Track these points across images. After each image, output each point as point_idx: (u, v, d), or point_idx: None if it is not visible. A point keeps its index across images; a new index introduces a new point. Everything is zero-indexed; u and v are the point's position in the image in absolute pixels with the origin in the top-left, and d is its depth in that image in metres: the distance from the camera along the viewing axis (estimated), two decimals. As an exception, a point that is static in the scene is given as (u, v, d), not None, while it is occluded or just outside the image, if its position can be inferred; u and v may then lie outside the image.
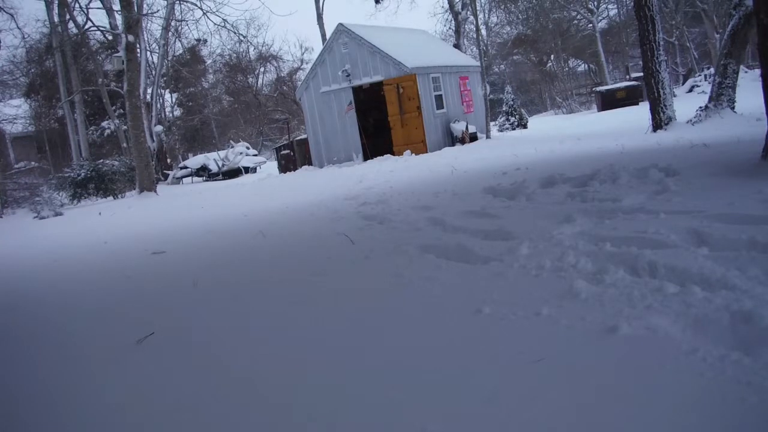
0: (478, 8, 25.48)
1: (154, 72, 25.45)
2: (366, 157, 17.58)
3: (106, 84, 25.33)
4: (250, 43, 31.88)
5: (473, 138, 17.88)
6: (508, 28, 41.07)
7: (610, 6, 36.59)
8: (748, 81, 17.07)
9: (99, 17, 38.87)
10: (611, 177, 5.99)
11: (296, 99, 23.11)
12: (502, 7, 38.82)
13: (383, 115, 17.77)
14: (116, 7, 21.33)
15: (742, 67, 14.39)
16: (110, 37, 24.84)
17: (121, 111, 23.24)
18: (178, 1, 22.24)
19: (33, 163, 28.52)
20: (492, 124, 21.76)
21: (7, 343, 3.88)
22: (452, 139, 17.78)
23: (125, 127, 21.06)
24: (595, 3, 34.40)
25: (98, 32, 24.89)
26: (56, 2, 23.44)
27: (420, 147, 16.86)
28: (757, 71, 10.44)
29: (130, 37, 16.25)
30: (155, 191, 16.46)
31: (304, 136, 20.43)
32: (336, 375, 2.52)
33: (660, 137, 10.36)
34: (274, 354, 2.86)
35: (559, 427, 1.90)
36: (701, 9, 28.54)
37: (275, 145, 26.04)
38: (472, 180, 8.32)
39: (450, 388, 2.24)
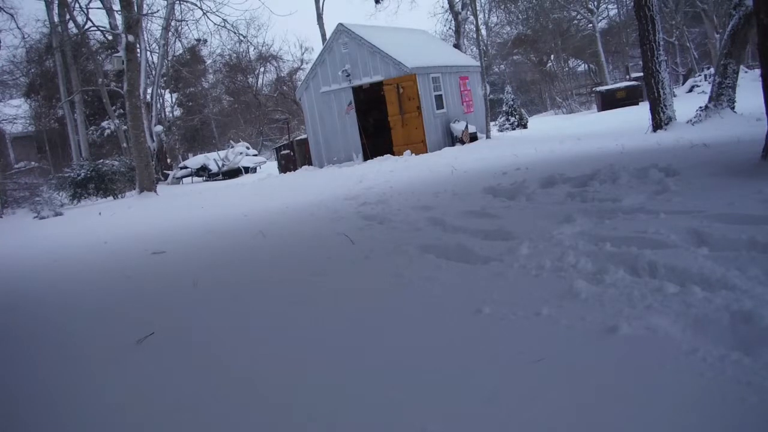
0: (478, 8, 25.49)
1: (154, 72, 25.45)
2: (366, 157, 17.58)
3: (106, 84, 25.33)
4: (250, 43, 31.92)
5: (473, 138, 17.88)
6: (508, 28, 41.09)
7: (610, 6, 36.62)
8: (748, 81, 17.07)
9: (99, 17, 38.93)
10: (611, 177, 5.99)
11: (296, 99, 23.11)
12: (502, 7, 38.82)
13: (383, 115, 17.77)
14: (116, 7, 21.36)
15: (742, 67, 14.39)
16: (110, 37, 24.85)
17: (121, 111, 23.24)
18: (178, 1, 22.25)
19: (33, 163, 28.53)
20: (492, 124, 21.76)
21: (7, 343, 3.88)
22: (452, 139, 17.78)
23: (125, 127, 21.06)
24: (595, 3, 34.41)
25: (98, 32, 24.92)
26: (56, 2, 23.44)
27: (420, 147, 16.86)
28: (757, 71, 10.44)
29: (130, 37, 16.25)
30: (155, 191, 16.46)
31: (304, 136, 20.43)
32: (336, 375, 2.52)
33: (660, 137, 10.36)
34: (274, 354, 2.86)
35: (559, 427, 1.90)
36: (701, 9, 28.54)
37: (275, 145, 26.04)
38: (472, 180, 8.32)
39: (450, 388, 2.24)
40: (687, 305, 2.59)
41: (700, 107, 12.37)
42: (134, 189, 17.16)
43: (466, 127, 17.72)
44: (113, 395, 2.67)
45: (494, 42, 41.39)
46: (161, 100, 29.90)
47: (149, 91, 24.05)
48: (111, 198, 17.98)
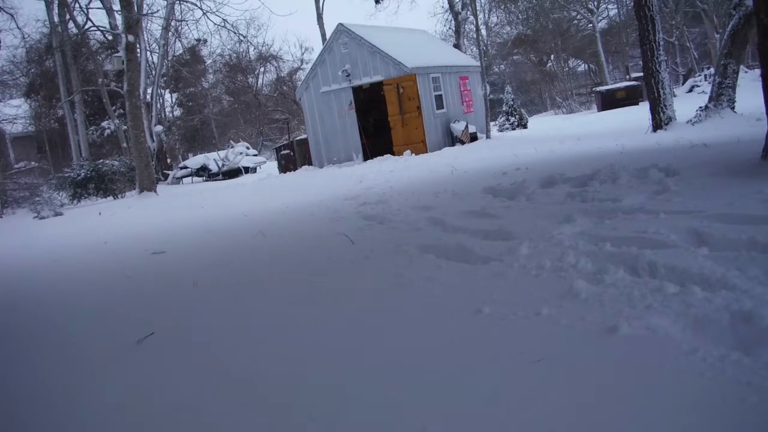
0: (478, 8, 25.49)
1: (154, 72, 25.45)
2: (366, 157, 17.58)
3: (106, 84, 25.33)
4: (250, 43, 31.92)
5: (473, 138, 17.88)
6: (508, 28, 41.09)
7: (610, 6, 36.62)
8: (748, 81, 17.07)
9: (99, 17, 38.91)
10: (611, 177, 5.99)
11: (296, 99, 23.11)
12: (502, 7, 38.83)
13: (383, 115, 17.77)
14: (116, 7, 21.36)
15: (742, 67, 14.39)
16: (110, 37, 24.85)
17: (121, 111, 23.24)
18: (178, 1, 22.24)
19: (33, 163, 28.52)
20: (492, 124, 21.76)
21: (7, 343, 3.88)
22: (452, 139, 17.78)
23: (125, 127, 21.06)
24: (595, 3, 34.41)
25: (98, 32, 24.92)
26: (56, 2, 23.45)
27: (420, 147, 16.86)
28: (757, 71, 10.44)
29: (130, 37, 16.25)
30: (155, 191, 16.46)
31: (304, 136, 20.43)
32: (336, 375, 2.52)
33: (660, 137, 10.36)
34: (274, 354, 2.86)
35: (559, 427, 1.90)
36: (701, 9, 28.55)
37: (275, 145, 26.04)
38: (472, 180, 8.32)
39: (450, 388, 2.24)
40: (687, 305, 2.59)
41: (700, 107, 12.37)
42: (134, 189, 17.17)
43: (466, 127, 17.72)
44: (113, 395, 2.67)
45: (494, 42, 41.40)
46: (161, 100, 29.90)
47: (149, 91, 24.05)
48: (111, 198, 17.98)
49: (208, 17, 27.32)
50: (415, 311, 3.16)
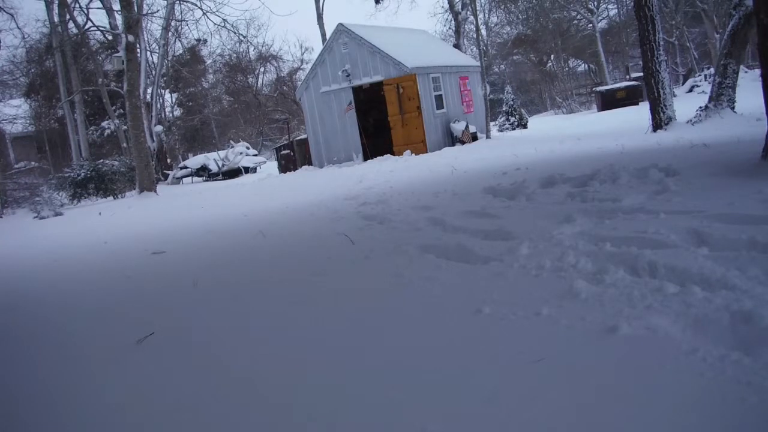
0: (478, 8, 25.49)
1: (154, 72, 25.45)
2: (366, 157, 17.58)
3: (106, 84, 25.33)
4: (250, 43, 31.92)
5: (473, 138, 17.88)
6: (508, 28, 41.09)
7: (610, 6, 36.62)
8: (748, 81, 17.07)
9: (99, 17, 38.93)
10: (611, 177, 5.99)
11: (296, 99, 23.11)
12: (502, 7, 38.83)
13: (383, 115, 17.77)
14: (116, 7, 21.37)
15: (742, 67, 14.39)
16: (110, 37, 24.85)
17: (121, 111, 23.25)
18: (178, 1, 22.24)
19: (33, 163, 28.52)
20: (492, 124, 21.76)
21: (7, 343, 3.88)
22: (452, 139, 17.78)
23: (125, 127, 21.06)
24: (595, 3, 34.41)
25: (98, 32, 24.93)
26: (56, 2, 23.45)
27: (420, 147, 16.86)
28: (757, 71, 10.44)
29: (130, 37, 16.25)
30: (155, 191, 16.46)
31: (304, 136, 20.43)
32: (336, 375, 2.52)
33: (660, 137, 10.36)
34: (274, 354, 2.86)
35: (559, 427, 1.90)
36: (701, 9, 28.54)
37: (275, 145, 26.04)
38: (472, 180, 8.32)
39: (450, 388, 2.24)
40: (687, 305, 2.59)
41: (700, 107, 12.37)
42: (134, 189, 17.17)
43: (467, 127, 17.72)
44: (113, 395, 2.67)
45: (494, 42, 41.39)
46: (161, 100, 29.90)
47: (149, 91, 24.05)
48: (111, 198, 17.98)
49: (208, 17, 27.35)
50: (415, 311, 3.16)
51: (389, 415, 2.12)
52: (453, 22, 27.90)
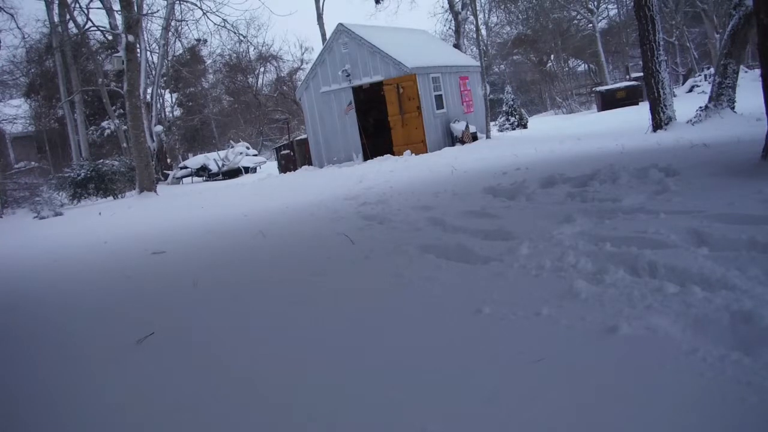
0: (478, 8, 25.49)
1: (154, 72, 25.45)
2: (366, 157, 17.58)
3: (106, 84, 25.33)
4: (250, 43, 31.92)
5: (473, 138, 17.88)
6: (508, 28, 41.09)
7: (610, 6, 36.62)
8: (748, 81, 17.07)
9: (99, 17, 38.92)
10: (611, 177, 5.99)
11: (296, 99, 23.11)
12: (502, 7, 38.83)
13: (383, 115, 17.77)
14: (116, 7, 21.36)
15: (742, 67, 14.39)
16: (110, 37, 24.85)
17: (121, 111, 23.24)
18: (178, 1, 22.25)
19: (33, 163, 28.52)
20: (492, 124, 21.76)
21: (7, 343, 3.88)
22: (452, 139, 17.78)
23: (125, 127, 21.06)
24: (595, 3, 34.41)
25: (98, 32, 24.92)
26: (56, 2, 23.45)
27: (420, 147, 16.86)
28: (757, 71, 10.44)
29: (130, 37, 16.25)
30: (155, 191, 16.46)
31: (304, 136, 20.43)
32: (336, 375, 2.52)
33: (660, 137, 10.36)
34: (274, 354, 2.86)
35: (559, 427, 1.90)
36: (701, 9, 28.54)
37: (275, 145, 26.04)
38: (472, 180, 8.32)
39: (450, 388, 2.24)
40: (687, 305, 2.59)
41: (700, 107, 12.37)
42: (134, 189, 17.17)
43: (467, 127, 17.72)
44: (113, 395, 2.67)
45: (494, 42, 41.39)
46: (161, 100, 29.90)
47: (149, 91, 24.05)
48: (111, 198, 17.98)
49: (208, 17, 27.34)
50: (415, 311, 3.16)
51: (389, 415, 2.12)
52: (453, 22, 27.91)
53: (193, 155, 27.25)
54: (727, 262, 2.99)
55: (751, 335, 2.25)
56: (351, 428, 2.09)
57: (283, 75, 37.07)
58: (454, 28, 28.12)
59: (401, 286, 3.62)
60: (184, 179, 23.99)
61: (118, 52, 19.85)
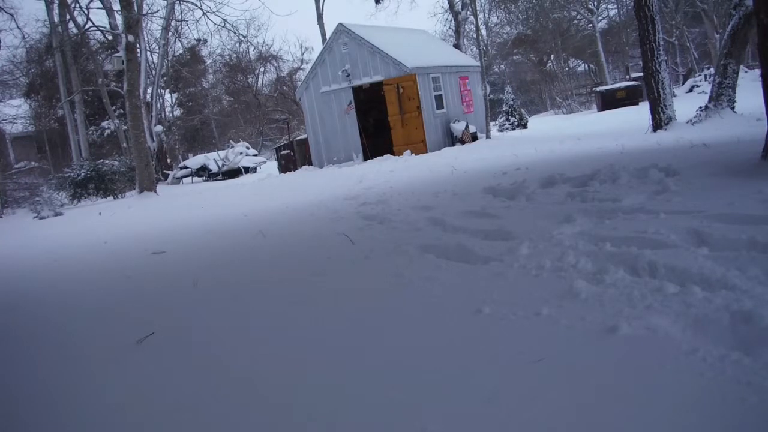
0: (478, 8, 25.49)
1: (154, 72, 25.45)
2: (366, 157, 17.58)
3: (106, 84, 25.33)
4: (250, 43, 31.92)
5: (473, 138, 17.88)
6: (508, 28, 41.09)
7: (610, 6, 36.62)
8: (748, 81, 17.07)
9: (99, 17, 38.94)
10: (611, 177, 5.99)
11: (296, 99, 23.11)
12: (502, 7, 38.83)
13: (383, 115, 17.77)
14: (116, 7, 21.36)
15: (742, 67, 14.39)
16: (110, 37, 24.85)
17: (121, 111, 23.24)
18: (178, 1, 22.24)
19: (33, 163, 28.52)
20: (492, 124, 21.76)
21: (7, 343, 3.88)
22: (452, 139, 17.78)
23: (125, 127, 21.06)
24: (595, 3, 34.41)
25: (98, 32, 24.92)
26: (56, 2, 23.45)
27: (420, 147, 16.86)
28: (757, 71, 10.43)
29: (130, 37, 16.25)
30: (155, 191, 16.46)
31: (304, 136, 20.43)
32: (336, 375, 2.52)
33: (660, 137, 10.36)
34: (274, 354, 2.86)
35: (559, 427, 1.90)
36: (701, 9, 28.54)
37: (275, 145, 26.04)
38: (472, 180, 8.32)
39: (450, 388, 2.24)
40: (687, 305, 2.59)
41: (700, 107, 12.37)
42: (134, 189, 17.16)
43: (467, 127, 17.72)
44: (113, 395, 2.67)
45: (494, 42, 41.39)
46: (161, 100, 29.90)
47: (149, 91, 24.05)
48: (111, 198, 17.98)
49: (208, 17, 27.33)
50: (415, 311, 3.16)
51: (389, 415, 2.12)
52: (453, 22, 27.91)
53: (193, 155, 27.25)
54: (727, 262, 2.99)
55: (751, 335, 2.25)
56: (351, 428, 2.09)
57: (283, 75, 37.08)
58: (454, 28, 28.13)
59: (401, 286, 3.62)
60: (184, 179, 23.99)
61: (118, 52, 19.85)
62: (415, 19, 68.45)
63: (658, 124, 11.95)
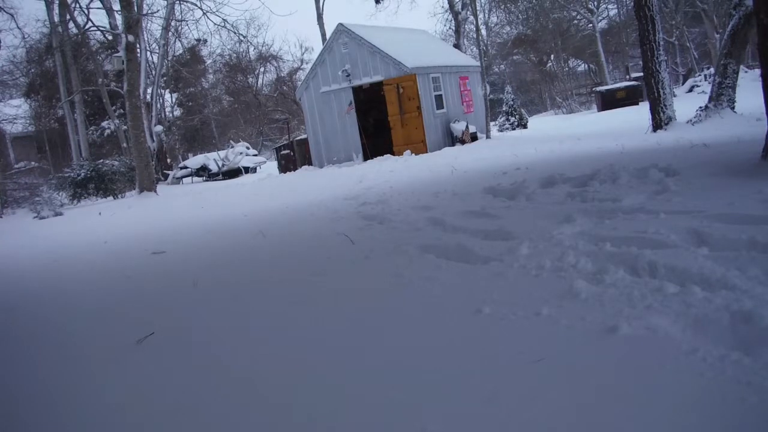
0: (478, 8, 25.49)
1: (154, 72, 25.45)
2: (366, 157, 17.58)
3: (106, 84, 25.32)
4: (250, 43, 31.90)
5: (473, 138, 17.88)
6: (508, 28, 41.09)
7: (610, 6, 36.61)
8: (748, 81, 17.06)
9: (99, 17, 38.89)
10: (611, 177, 5.99)
11: (296, 99, 23.12)
12: (502, 7, 38.82)
13: (383, 115, 17.77)
14: (116, 7, 21.36)
15: (742, 67, 14.39)
16: (110, 37, 24.84)
17: (121, 111, 23.24)
18: (178, 1, 22.24)
19: (33, 163, 28.51)
20: (492, 124, 21.75)
21: (7, 343, 3.88)
22: (452, 139, 17.78)
23: (125, 127, 21.06)
24: (595, 3, 34.40)
25: (98, 32, 24.91)
26: (56, 2, 23.44)
27: (420, 147, 16.86)
28: (757, 71, 10.43)
29: (130, 37, 16.25)
30: (155, 191, 16.46)
31: (304, 136, 20.43)
32: (336, 375, 2.52)
33: (660, 137, 10.36)
34: (274, 354, 2.86)
35: (559, 427, 1.90)
36: (701, 9, 28.54)
37: (275, 145, 26.04)
38: (472, 180, 8.32)
39: (450, 388, 2.24)
40: (687, 305, 2.59)
41: (700, 107, 12.37)
42: (134, 189, 17.16)
43: (467, 127, 17.72)
44: (113, 395, 2.67)
45: (494, 42, 41.39)
46: (161, 100, 29.90)
47: (149, 91, 24.05)
48: (111, 198, 17.97)
49: (208, 17, 27.30)
50: (415, 311, 3.16)
51: (389, 415, 2.12)
52: (453, 22, 27.91)
53: (193, 155, 27.25)
54: (727, 262, 2.99)
55: (751, 335, 2.25)
56: (351, 428, 2.09)
57: (283, 75, 37.08)
58: (454, 28, 28.13)
59: (401, 286, 3.62)
60: (184, 179, 23.99)
61: (118, 52, 19.84)
62: (415, 19, 68.52)
63: (658, 124, 11.95)
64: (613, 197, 5.08)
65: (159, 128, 24.32)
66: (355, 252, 4.70)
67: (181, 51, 30.98)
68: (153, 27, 29.86)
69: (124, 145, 23.54)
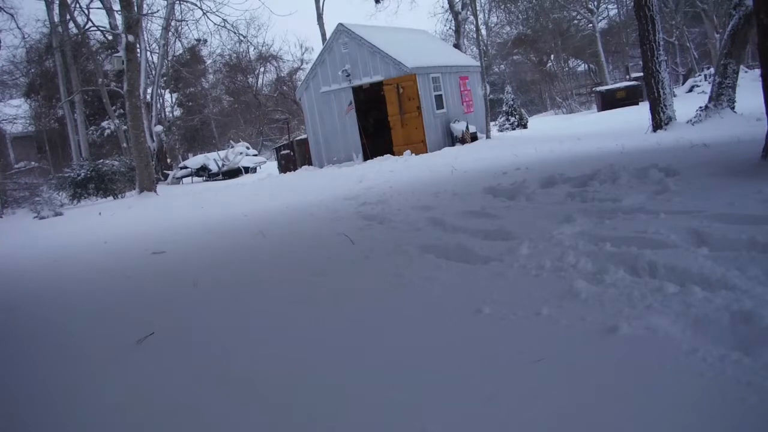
0: (478, 8, 25.49)
1: (154, 72, 25.45)
2: (366, 157, 17.58)
3: (106, 84, 25.32)
4: (250, 43, 31.90)
5: (473, 138, 17.88)
6: (508, 28, 41.08)
7: (610, 6, 36.61)
8: (748, 81, 17.06)
9: (99, 17, 38.93)
10: (611, 177, 5.99)
11: (296, 99, 23.12)
12: (502, 7, 38.83)
13: (383, 115, 17.77)
14: (116, 7, 21.37)
15: (742, 67, 14.39)
16: (110, 37, 24.85)
17: (121, 111, 23.24)
18: (178, 1, 22.25)
19: (33, 163, 28.51)
20: (492, 124, 21.75)
21: (7, 343, 3.88)
22: (452, 139, 17.78)
23: (125, 127, 21.06)
24: (595, 3, 34.40)
25: (98, 32, 24.92)
26: (56, 2, 23.44)
27: (420, 147, 16.86)
28: (757, 71, 10.44)
29: (130, 37, 16.25)
30: (155, 191, 16.46)
31: (304, 136, 20.43)
32: (336, 375, 2.52)
33: (660, 137, 10.36)
34: (274, 354, 2.86)
35: (559, 427, 1.90)
36: (701, 9, 28.54)
37: (275, 145, 26.04)
38: (472, 180, 8.32)
39: (450, 388, 2.24)
40: (687, 305, 2.59)
41: (700, 107, 12.36)
42: (134, 189, 17.17)
43: (467, 127, 17.72)
44: (113, 395, 2.67)
45: (494, 42, 41.39)
46: (161, 100, 29.90)
47: (149, 91, 24.05)
48: (111, 198, 17.97)
49: (208, 17, 27.27)
50: (415, 311, 3.16)
51: (389, 415, 2.12)
52: (453, 22, 27.91)
53: (193, 155, 27.25)
54: (727, 262, 2.99)
55: (751, 335, 2.25)
56: (351, 428, 2.09)
57: (283, 75, 37.07)
58: (454, 28, 28.13)
59: (401, 286, 3.62)
60: (184, 179, 23.98)
61: (118, 52, 19.84)
62: (415, 19, 68.48)
63: (658, 124, 11.95)
64: (613, 197, 5.08)
65: (159, 128, 24.32)
66: (355, 252, 4.70)
67: (181, 51, 30.99)
68: (153, 27, 29.90)
69: (124, 145, 23.54)
